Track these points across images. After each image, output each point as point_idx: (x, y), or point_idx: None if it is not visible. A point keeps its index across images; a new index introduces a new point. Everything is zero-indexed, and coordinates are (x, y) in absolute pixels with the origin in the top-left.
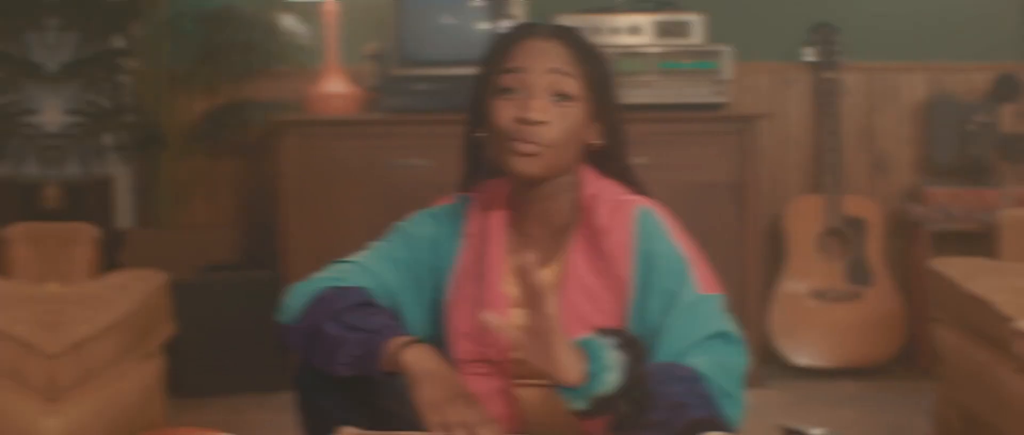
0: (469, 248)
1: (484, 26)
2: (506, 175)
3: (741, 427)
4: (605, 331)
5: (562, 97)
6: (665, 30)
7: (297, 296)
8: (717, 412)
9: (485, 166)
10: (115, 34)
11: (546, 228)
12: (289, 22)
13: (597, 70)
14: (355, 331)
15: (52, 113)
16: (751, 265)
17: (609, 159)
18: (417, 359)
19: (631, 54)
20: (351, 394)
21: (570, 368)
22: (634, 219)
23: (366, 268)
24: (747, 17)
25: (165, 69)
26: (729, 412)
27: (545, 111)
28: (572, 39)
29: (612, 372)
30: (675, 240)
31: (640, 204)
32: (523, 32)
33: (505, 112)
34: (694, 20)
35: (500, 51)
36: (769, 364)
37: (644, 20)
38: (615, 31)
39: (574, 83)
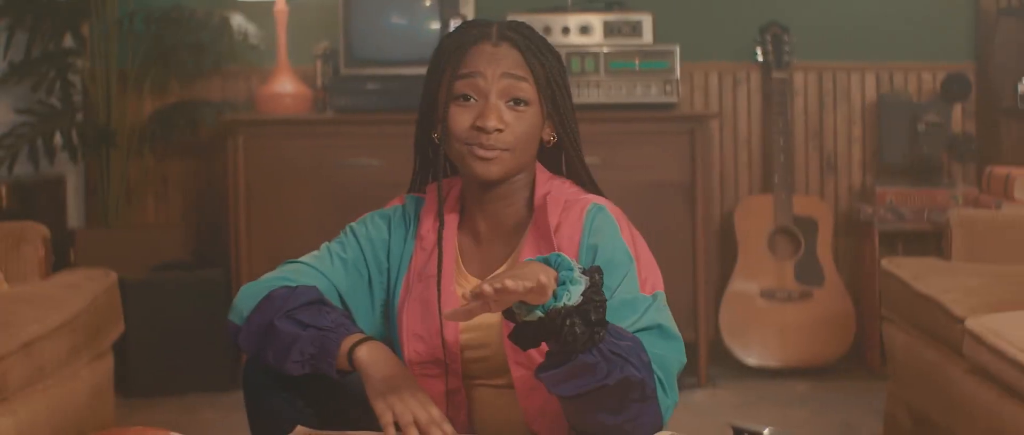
0: (421, 250)
1: (433, 25)
2: (459, 174)
3: (685, 426)
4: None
5: (517, 102)
6: (615, 30)
7: (247, 296)
8: (651, 382)
9: (438, 166)
10: (65, 34)
11: (499, 228)
12: (239, 22)
13: (550, 70)
14: (308, 329)
15: (1, 112)
16: (702, 265)
17: (562, 157)
18: (371, 356)
19: (581, 54)
20: (301, 394)
21: (546, 277)
22: (584, 216)
23: (316, 269)
24: (697, 17)
25: (115, 69)
26: (661, 399)
27: (501, 118)
28: (524, 40)
29: (578, 286)
30: (622, 238)
31: (592, 202)
32: (475, 35)
33: (461, 118)
34: (644, 20)
35: (452, 55)
36: (719, 364)
37: (594, 19)
38: (565, 30)
39: (528, 87)
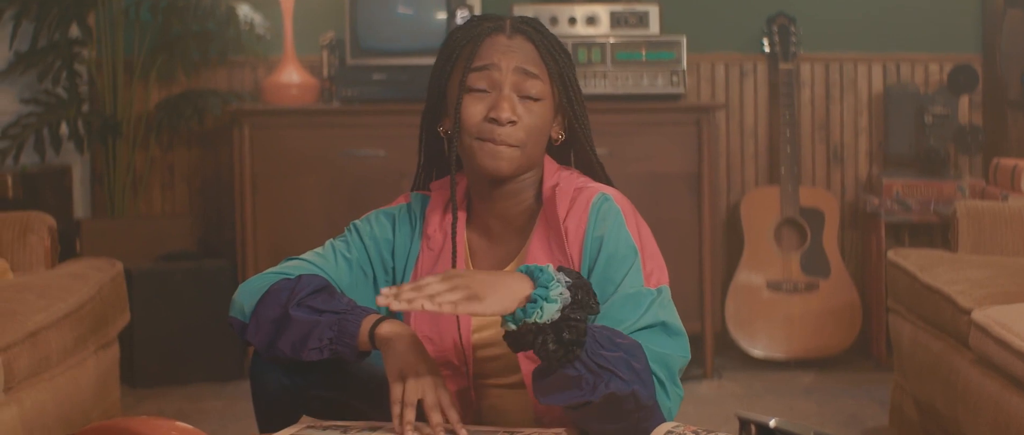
0: (428, 249)
1: (440, 16)
2: (465, 171)
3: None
4: (562, 269)
5: (529, 98)
6: (622, 20)
7: (247, 292)
8: (645, 391)
9: (450, 159)
10: (71, 23)
11: (509, 225)
12: (245, 11)
13: (561, 66)
14: (324, 314)
15: (7, 102)
16: (708, 256)
17: (572, 150)
18: (393, 331)
19: (587, 44)
20: (306, 385)
21: (513, 291)
22: (590, 207)
23: (317, 266)
24: (703, 7)
25: (121, 58)
26: (661, 401)
27: (515, 110)
28: (538, 35)
29: (553, 304)
30: (627, 229)
31: (599, 192)
32: (488, 27)
33: (474, 110)
34: (651, 10)
35: (466, 47)
36: (725, 355)
37: (601, 10)
38: (572, 21)
39: (541, 83)
